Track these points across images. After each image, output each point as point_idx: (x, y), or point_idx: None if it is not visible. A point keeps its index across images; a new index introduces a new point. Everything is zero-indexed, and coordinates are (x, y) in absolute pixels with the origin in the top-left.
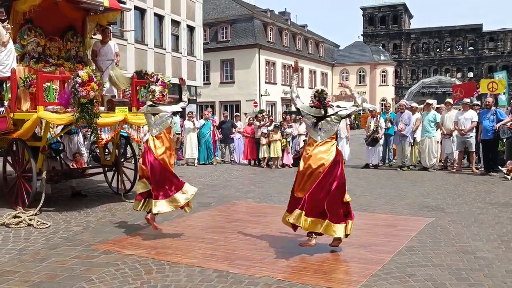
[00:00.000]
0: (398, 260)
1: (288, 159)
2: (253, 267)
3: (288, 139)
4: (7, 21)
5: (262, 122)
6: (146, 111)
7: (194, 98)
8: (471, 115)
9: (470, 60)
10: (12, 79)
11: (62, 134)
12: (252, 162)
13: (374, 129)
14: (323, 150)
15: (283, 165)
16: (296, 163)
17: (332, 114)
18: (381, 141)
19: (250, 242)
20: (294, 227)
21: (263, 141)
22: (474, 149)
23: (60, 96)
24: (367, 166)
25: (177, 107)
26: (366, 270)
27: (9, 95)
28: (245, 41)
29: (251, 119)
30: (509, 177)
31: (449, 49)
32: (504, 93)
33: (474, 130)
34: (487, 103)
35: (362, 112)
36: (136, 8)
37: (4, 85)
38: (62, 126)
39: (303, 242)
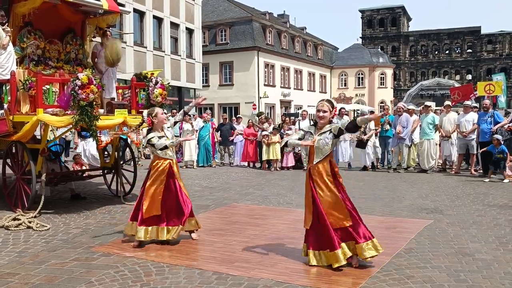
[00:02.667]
0: (396, 262)
1: (287, 161)
2: (252, 269)
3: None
4: (6, 23)
5: (264, 125)
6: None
7: (193, 100)
8: (473, 117)
9: (469, 63)
10: (12, 82)
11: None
12: (251, 164)
13: (362, 131)
14: None
15: (282, 167)
16: (296, 165)
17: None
18: (374, 143)
19: (249, 244)
20: None
21: (265, 143)
22: (475, 152)
23: (60, 98)
24: (364, 168)
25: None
26: (365, 272)
27: (9, 98)
28: (244, 44)
29: (250, 121)
30: (506, 180)
31: (447, 52)
32: (503, 95)
33: (475, 132)
34: (484, 105)
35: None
36: (135, 10)
37: (3, 88)
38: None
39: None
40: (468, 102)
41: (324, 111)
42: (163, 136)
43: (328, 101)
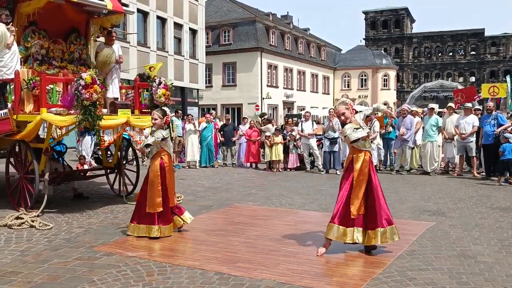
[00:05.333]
0: (398, 264)
1: (293, 162)
2: (254, 270)
3: (290, 143)
4: (11, 23)
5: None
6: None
7: (196, 101)
8: (472, 120)
9: (472, 65)
10: (16, 81)
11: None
12: (254, 165)
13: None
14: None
15: (285, 168)
16: (299, 166)
17: None
18: (378, 144)
19: (252, 245)
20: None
21: (267, 144)
22: (474, 154)
23: (63, 98)
24: None
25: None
26: (367, 274)
27: (13, 97)
28: (247, 44)
29: (251, 122)
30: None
31: (451, 54)
32: (509, 97)
33: (475, 135)
34: (488, 107)
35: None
36: (139, 11)
37: (8, 87)
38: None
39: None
40: (469, 105)
41: (155, 119)
42: (359, 128)
43: (159, 110)
